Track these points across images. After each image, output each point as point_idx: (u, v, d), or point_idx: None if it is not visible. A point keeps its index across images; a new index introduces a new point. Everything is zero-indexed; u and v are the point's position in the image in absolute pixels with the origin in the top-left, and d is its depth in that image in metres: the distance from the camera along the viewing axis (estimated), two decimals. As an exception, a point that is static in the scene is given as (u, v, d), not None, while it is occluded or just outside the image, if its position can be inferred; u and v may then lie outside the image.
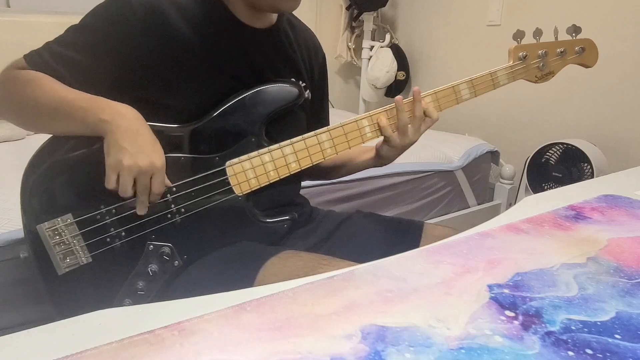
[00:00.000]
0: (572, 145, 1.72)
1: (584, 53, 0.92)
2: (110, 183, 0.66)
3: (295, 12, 0.90)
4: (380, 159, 0.88)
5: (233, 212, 0.76)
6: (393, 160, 0.87)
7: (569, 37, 0.91)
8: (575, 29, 0.90)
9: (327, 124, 0.98)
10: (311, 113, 0.92)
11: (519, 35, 0.86)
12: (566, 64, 0.93)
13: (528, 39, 0.88)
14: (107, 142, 0.67)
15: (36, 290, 0.74)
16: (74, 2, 1.75)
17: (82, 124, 0.68)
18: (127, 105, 0.69)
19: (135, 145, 0.66)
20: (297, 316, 0.39)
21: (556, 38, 0.90)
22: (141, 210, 0.70)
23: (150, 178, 0.68)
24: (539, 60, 0.89)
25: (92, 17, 0.73)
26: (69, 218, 0.69)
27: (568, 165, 1.75)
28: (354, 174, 1.43)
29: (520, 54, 0.88)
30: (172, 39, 0.72)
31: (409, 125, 0.81)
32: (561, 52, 0.90)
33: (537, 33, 0.87)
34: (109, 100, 0.69)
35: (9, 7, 1.90)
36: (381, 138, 0.84)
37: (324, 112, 0.98)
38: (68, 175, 0.71)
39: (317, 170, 0.92)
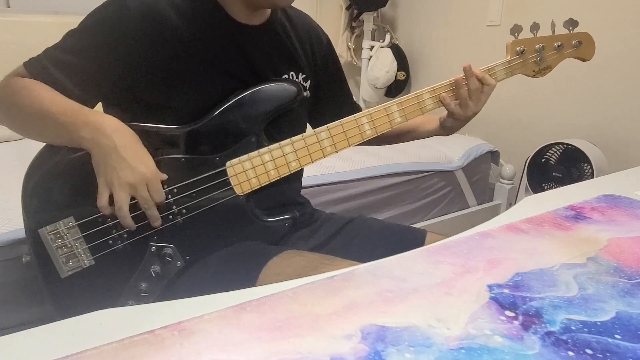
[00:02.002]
0: (572, 145, 1.72)
1: (581, 47, 0.92)
2: (100, 201, 0.66)
3: (295, 12, 0.91)
4: (444, 129, 0.91)
5: (234, 212, 0.76)
6: (457, 131, 0.91)
7: (566, 31, 0.91)
8: (572, 23, 0.90)
9: (351, 101, 0.99)
10: (330, 95, 0.92)
11: (516, 29, 0.87)
12: (564, 58, 0.92)
13: (526, 34, 0.88)
14: (94, 160, 0.67)
15: (36, 290, 0.74)
16: (74, 2, 1.75)
17: (68, 139, 0.68)
18: (108, 117, 0.68)
19: (120, 161, 0.65)
20: (297, 316, 0.39)
21: (553, 32, 0.90)
22: (155, 223, 0.70)
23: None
24: (536, 55, 0.89)
25: (89, 20, 0.73)
26: (70, 221, 0.69)
27: (568, 165, 1.74)
28: (353, 175, 1.44)
29: (518, 48, 0.88)
30: (169, 39, 0.72)
31: (469, 99, 0.84)
32: (558, 46, 0.90)
33: (535, 27, 0.88)
34: (91, 112, 0.69)
35: (9, 7, 1.90)
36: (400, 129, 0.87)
37: (347, 94, 0.98)
38: (69, 178, 0.71)
39: (380, 138, 0.93)
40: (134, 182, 0.66)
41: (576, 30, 0.91)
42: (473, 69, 0.83)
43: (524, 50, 0.88)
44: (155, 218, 0.70)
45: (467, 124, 0.88)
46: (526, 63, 0.89)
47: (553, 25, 0.89)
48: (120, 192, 0.65)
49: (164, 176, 0.71)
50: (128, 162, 0.66)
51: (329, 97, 0.94)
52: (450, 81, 0.84)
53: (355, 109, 0.97)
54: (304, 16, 0.92)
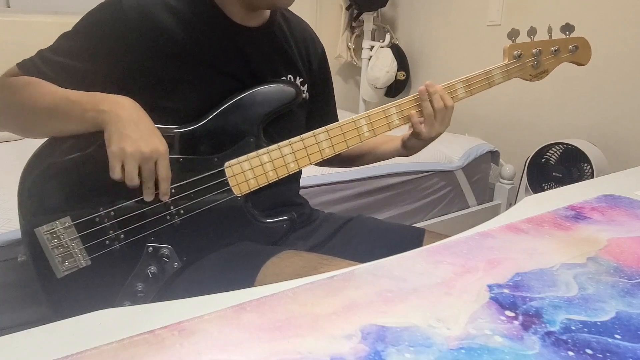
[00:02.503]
0: (572, 145, 1.72)
1: (577, 51, 0.93)
2: (115, 173, 0.65)
3: (295, 13, 0.91)
4: (406, 149, 0.90)
5: (232, 213, 0.76)
6: (419, 151, 0.89)
7: (562, 36, 0.91)
8: (568, 27, 0.90)
9: (335, 116, 0.99)
10: (317, 106, 0.92)
11: (513, 34, 0.87)
12: (560, 63, 0.93)
13: (523, 38, 0.88)
14: (108, 132, 0.66)
15: (36, 290, 0.74)
16: (74, 2, 1.75)
17: (81, 119, 0.68)
18: (124, 96, 0.69)
19: (137, 132, 0.66)
20: (297, 316, 0.39)
21: (550, 36, 0.90)
22: (148, 197, 0.69)
23: (155, 164, 0.67)
24: (533, 59, 0.90)
25: (84, 22, 0.73)
26: (67, 221, 0.69)
27: (568, 165, 1.75)
28: (353, 175, 1.44)
29: (515, 52, 0.88)
30: (166, 41, 0.72)
31: (434, 117, 0.82)
32: (555, 50, 0.91)
33: (532, 32, 0.88)
34: (106, 93, 0.69)
35: (9, 7, 1.90)
36: (405, 129, 0.86)
37: (330, 104, 0.98)
38: (65, 178, 0.70)
39: (343, 159, 0.94)
40: (147, 152, 0.66)
41: (573, 35, 0.91)
42: (435, 86, 0.81)
43: (521, 54, 0.88)
44: (150, 192, 0.69)
45: (429, 144, 0.87)
46: (523, 67, 0.90)
47: (550, 30, 0.90)
48: (131, 162, 0.65)
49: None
50: (144, 134, 0.66)
51: (318, 105, 0.93)
52: (447, 84, 0.84)
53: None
54: (302, 22, 0.92)
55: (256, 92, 0.77)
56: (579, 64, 0.95)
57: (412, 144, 0.87)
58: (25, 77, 0.72)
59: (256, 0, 0.75)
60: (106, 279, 0.72)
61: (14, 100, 0.72)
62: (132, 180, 0.66)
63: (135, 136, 0.65)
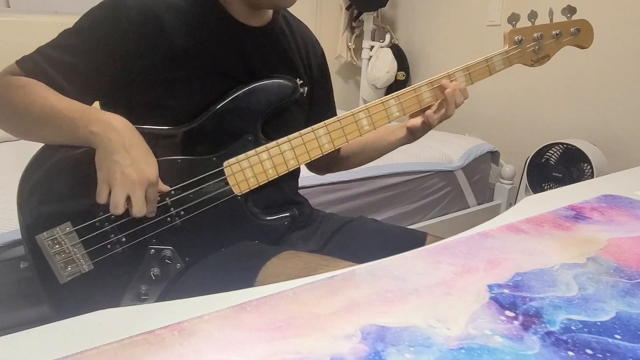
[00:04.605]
0: (572, 145, 1.72)
1: (579, 34, 0.90)
2: (101, 198, 0.65)
3: (295, 13, 0.91)
4: (413, 136, 0.92)
5: (233, 212, 0.76)
6: (423, 135, 0.92)
7: (564, 19, 0.89)
8: (570, 10, 0.88)
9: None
10: (316, 112, 0.92)
11: (514, 18, 0.85)
12: (562, 46, 0.91)
13: (524, 23, 0.87)
14: (99, 156, 0.65)
15: (37, 291, 0.74)
16: (74, 2, 1.75)
17: (72, 135, 0.67)
18: (117, 116, 0.68)
19: (128, 158, 0.64)
20: (297, 316, 0.39)
21: (551, 20, 0.88)
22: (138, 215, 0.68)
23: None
24: (534, 44, 0.88)
25: (86, 20, 0.73)
26: (67, 227, 0.68)
27: (568, 165, 1.75)
28: (353, 175, 1.44)
29: (516, 37, 0.86)
30: (167, 40, 0.72)
31: (445, 111, 0.85)
32: (556, 34, 0.89)
33: (532, 15, 0.86)
34: (99, 110, 0.68)
35: (9, 7, 1.90)
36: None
37: (330, 110, 0.98)
38: (64, 183, 0.70)
39: (341, 157, 0.94)
40: (136, 181, 0.64)
41: (574, 17, 0.89)
42: (456, 86, 0.84)
43: (522, 39, 0.86)
44: (140, 215, 0.67)
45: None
46: (524, 52, 0.88)
47: (551, 13, 0.87)
48: (119, 189, 0.64)
49: (167, 188, 0.71)
50: (135, 161, 0.65)
51: (318, 109, 0.93)
52: (446, 73, 0.84)
53: None
54: (303, 26, 0.92)
55: (253, 88, 0.76)
56: (581, 47, 0.92)
57: (421, 131, 0.90)
58: (22, 79, 0.70)
59: (258, 0, 0.75)
60: (109, 282, 0.71)
61: (7, 102, 0.71)
62: (117, 207, 0.64)
63: (125, 163, 0.64)
